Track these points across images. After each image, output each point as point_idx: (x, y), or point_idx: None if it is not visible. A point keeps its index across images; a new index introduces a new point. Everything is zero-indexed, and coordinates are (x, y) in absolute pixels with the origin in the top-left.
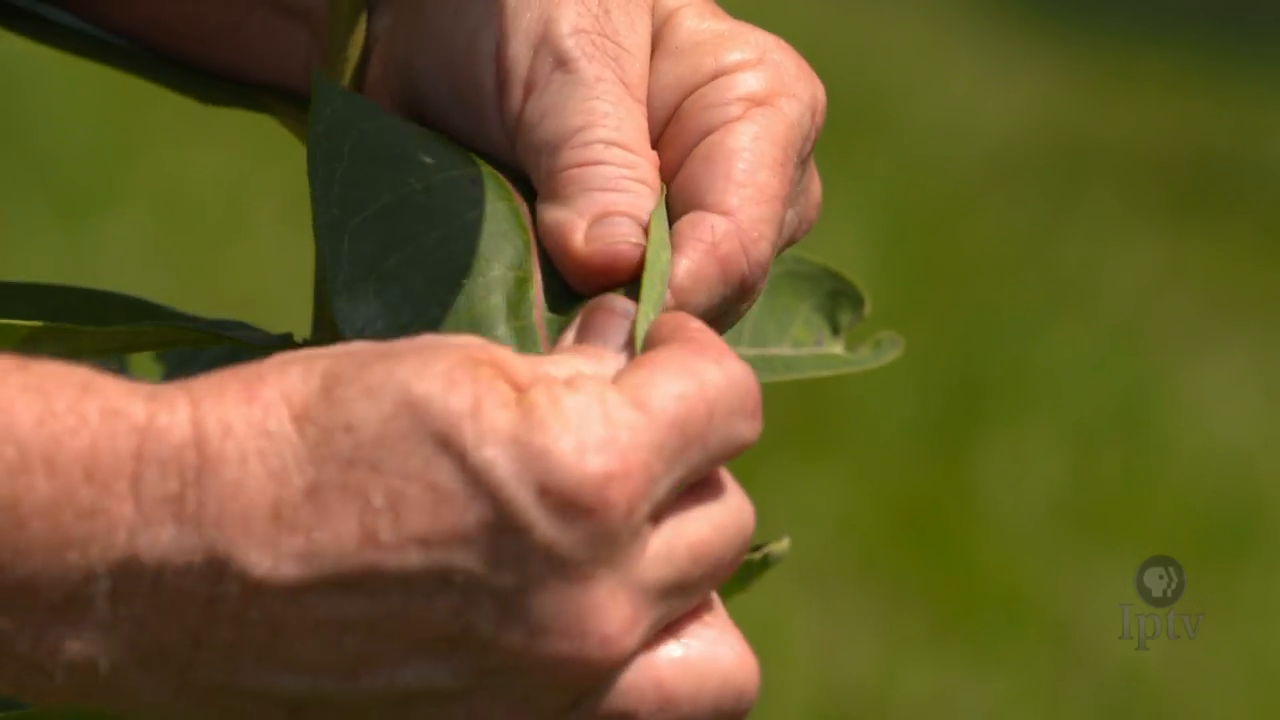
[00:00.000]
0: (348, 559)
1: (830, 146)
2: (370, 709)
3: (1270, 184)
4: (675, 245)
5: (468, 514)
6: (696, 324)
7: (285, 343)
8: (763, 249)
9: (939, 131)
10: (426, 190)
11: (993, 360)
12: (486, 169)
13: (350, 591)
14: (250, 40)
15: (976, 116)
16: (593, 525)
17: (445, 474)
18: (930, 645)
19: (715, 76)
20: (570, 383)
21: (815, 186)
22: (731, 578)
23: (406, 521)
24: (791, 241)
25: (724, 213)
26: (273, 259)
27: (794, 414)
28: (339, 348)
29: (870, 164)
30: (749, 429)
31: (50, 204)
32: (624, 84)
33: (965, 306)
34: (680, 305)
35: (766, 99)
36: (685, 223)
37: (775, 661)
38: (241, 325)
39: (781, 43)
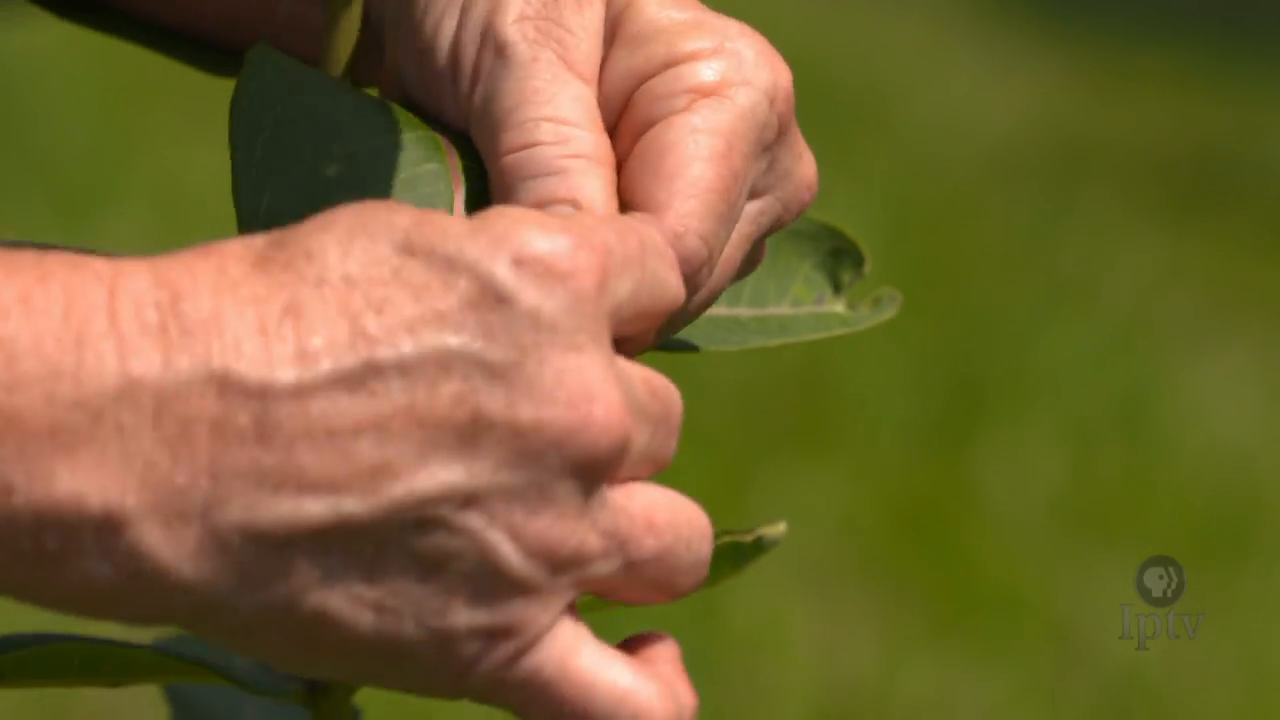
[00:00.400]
0: (343, 356)
1: (831, 146)
2: (392, 536)
3: (1270, 183)
4: None
5: (450, 295)
6: None
7: None
8: (689, 243)
9: (939, 131)
10: (350, 157)
11: (993, 359)
12: (422, 132)
13: (354, 391)
14: (281, 27)
15: (977, 116)
16: (571, 289)
17: (418, 272)
18: (930, 644)
19: (667, 66)
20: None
21: (803, 168)
22: (724, 560)
23: (391, 314)
24: (778, 225)
25: (653, 209)
26: None
27: (794, 413)
28: None
29: (870, 163)
30: (675, 281)
31: (50, 202)
32: (565, 62)
33: (966, 305)
34: None
35: (715, 89)
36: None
37: (776, 659)
38: None
39: (745, 29)
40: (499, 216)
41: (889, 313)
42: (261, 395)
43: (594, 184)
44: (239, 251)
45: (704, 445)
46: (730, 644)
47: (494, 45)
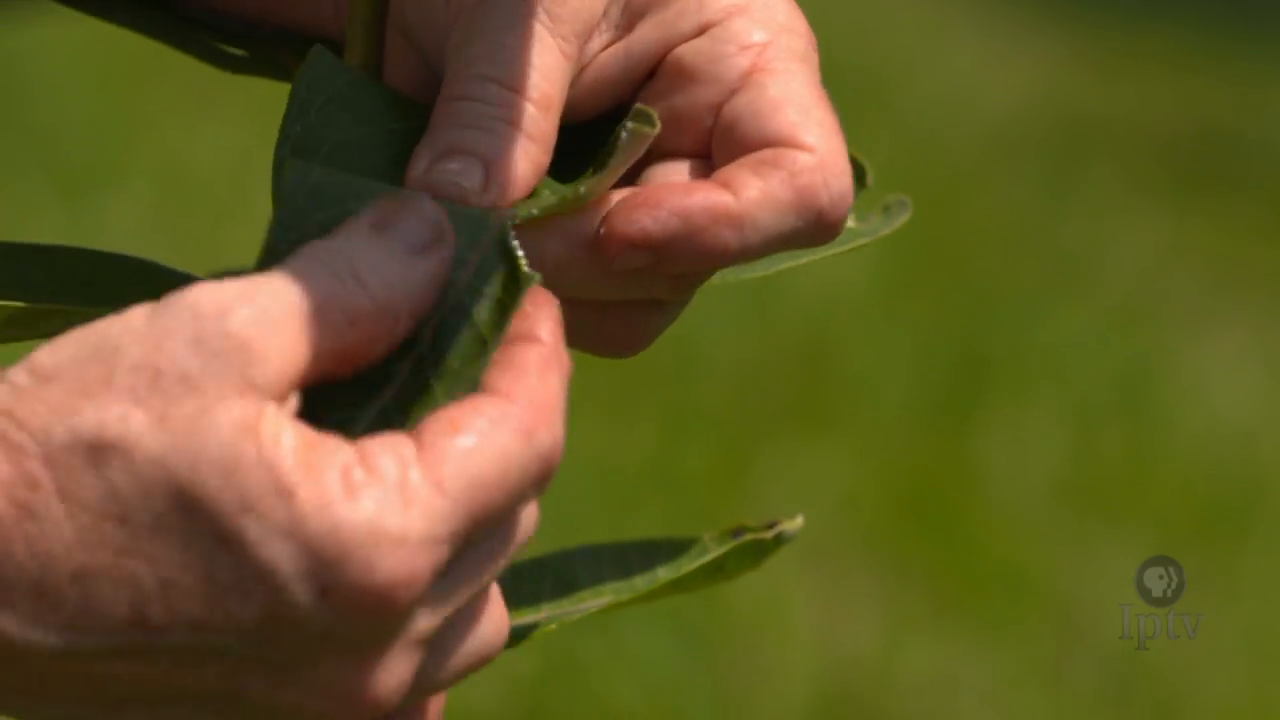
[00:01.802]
0: (115, 636)
1: None
2: None
3: (1272, 162)
4: (754, 171)
5: (247, 606)
6: (542, 344)
7: None
8: (845, 183)
9: (941, 109)
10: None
11: (995, 338)
12: None
13: (118, 657)
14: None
15: (978, 94)
16: (375, 620)
17: (225, 569)
18: (932, 623)
19: (703, 29)
20: (365, 459)
21: None
22: (746, 556)
23: (180, 606)
24: None
25: (803, 148)
26: None
27: (796, 391)
28: (124, 352)
29: (872, 142)
30: (533, 511)
31: (52, 181)
32: (550, 16)
33: (967, 284)
34: (744, 223)
35: (769, 44)
36: (765, 155)
37: (777, 639)
38: None
39: None
40: (337, 527)
41: (902, 218)
42: (22, 653)
43: (514, 153)
44: (49, 461)
45: (705, 424)
46: (732, 623)
47: None
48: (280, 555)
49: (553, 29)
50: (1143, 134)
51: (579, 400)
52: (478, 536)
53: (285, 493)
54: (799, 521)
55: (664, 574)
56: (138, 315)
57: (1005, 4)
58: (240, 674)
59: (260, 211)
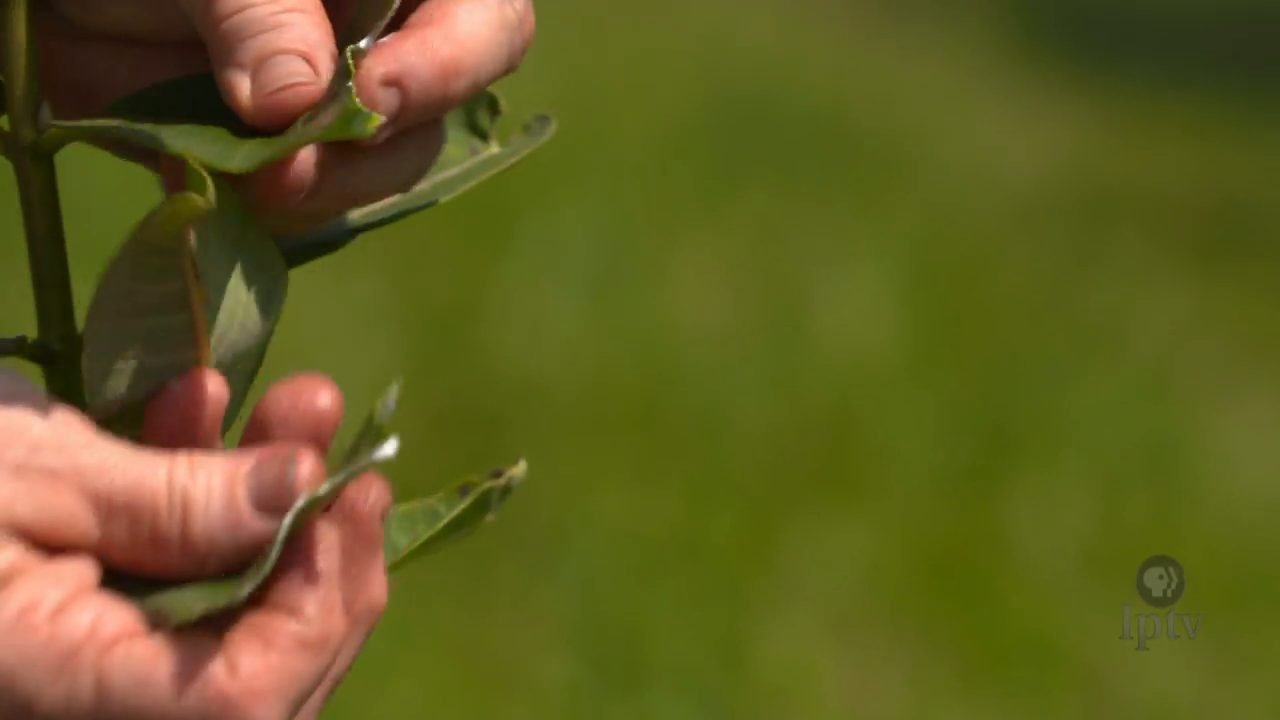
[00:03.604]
0: None
1: (856, 193)
2: None
3: None
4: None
5: None
6: (300, 622)
7: (19, 346)
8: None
9: (965, 178)
10: None
11: (1021, 406)
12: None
13: None
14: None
15: (1003, 163)
16: None
17: None
18: (960, 692)
19: None
20: None
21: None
22: (480, 509)
23: None
24: None
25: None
26: (302, 307)
27: (822, 459)
28: None
29: (897, 210)
30: None
31: (76, 253)
32: None
33: (993, 352)
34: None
35: None
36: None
37: (804, 708)
38: None
39: None
40: None
41: (546, 133)
42: None
43: (313, 34)
44: None
45: (732, 493)
46: (758, 692)
47: None
48: None
49: None
50: (1167, 202)
51: (604, 468)
52: None
53: None
54: (522, 466)
55: (405, 543)
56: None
57: (1028, 72)
58: None
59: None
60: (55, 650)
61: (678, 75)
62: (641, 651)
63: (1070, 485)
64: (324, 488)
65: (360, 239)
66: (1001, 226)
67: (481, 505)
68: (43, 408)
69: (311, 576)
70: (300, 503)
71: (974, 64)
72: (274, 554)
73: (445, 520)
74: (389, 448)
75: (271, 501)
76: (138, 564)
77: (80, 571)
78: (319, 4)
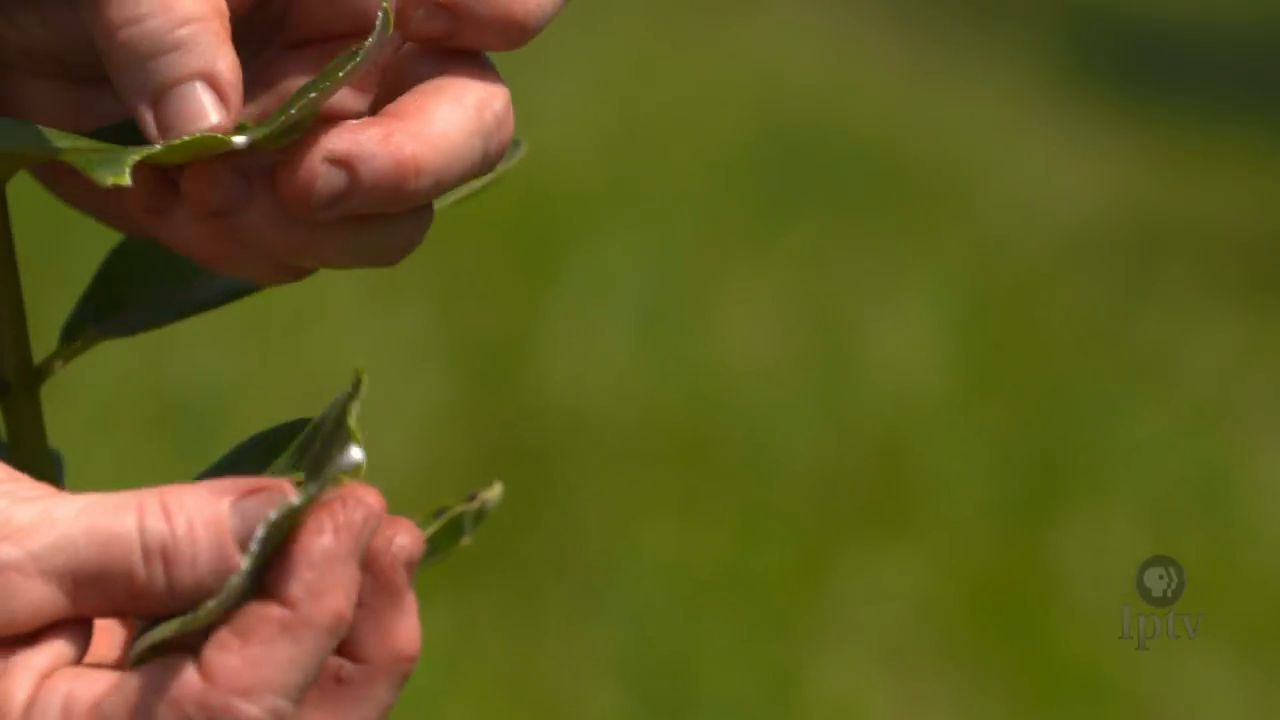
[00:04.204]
0: None
1: (906, 226)
2: None
3: None
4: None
5: None
6: (287, 607)
7: None
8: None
9: (1016, 211)
10: None
11: (1072, 440)
12: None
13: None
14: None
15: (1053, 196)
16: None
17: None
18: None
19: None
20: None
21: None
22: (454, 533)
23: None
24: None
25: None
26: (349, 339)
27: (872, 493)
28: None
29: (947, 243)
30: None
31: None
32: None
33: (1043, 386)
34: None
35: None
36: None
37: None
38: None
39: None
40: None
41: (516, 155)
42: None
43: (213, 49)
44: None
45: (780, 526)
46: None
47: None
48: None
49: None
50: (1219, 235)
51: (653, 501)
52: None
53: None
54: (497, 489)
55: None
56: None
57: (1079, 104)
58: None
59: (335, 314)
60: None
61: (728, 109)
62: (691, 685)
63: (1120, 519)
64: (297, 500)
65: (408, 270)
66: (1052, 259)
67: (455, 529)
68: None
69: (293, 561)
70: (272, 516)
71: (1024, 97)
72: (239, 579)
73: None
74: (354, 454)
75: None
76: (122, 614)
77: (54, 652)
78: (221, 7)
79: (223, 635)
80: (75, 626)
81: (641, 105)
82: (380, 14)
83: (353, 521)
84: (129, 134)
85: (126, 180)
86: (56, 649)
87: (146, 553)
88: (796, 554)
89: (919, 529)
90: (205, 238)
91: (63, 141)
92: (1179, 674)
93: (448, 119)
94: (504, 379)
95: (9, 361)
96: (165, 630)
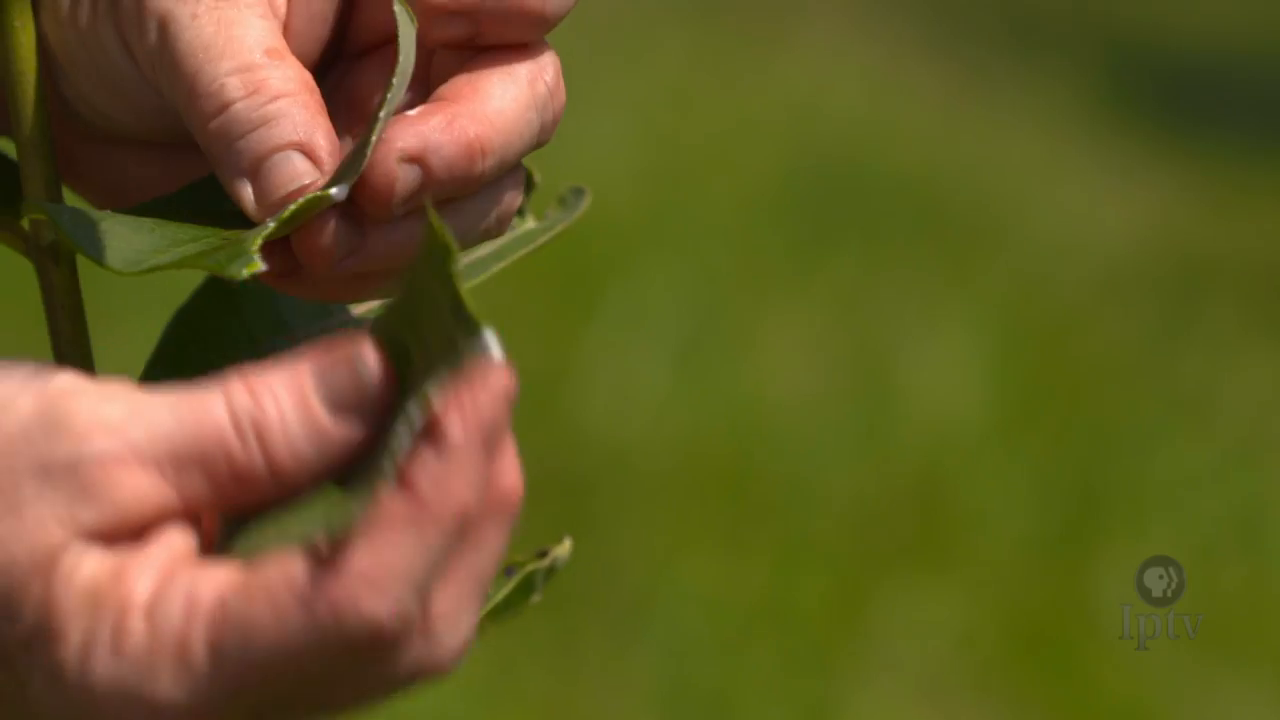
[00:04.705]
0: None
1: (945, 258)
2: None
3: None
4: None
5: (10, 626)
6: (413, 497)
7: None
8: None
9: (1055, 245)
10: None
11: (1111, 474)
12: None
13: None
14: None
15: (1093, 230)
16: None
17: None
18: None
19: None
20: (153, 610)
21: None
22: (526, 590)
23: None
24: None
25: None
26: None
27: (912, 527)
28: None
29: (986, 276)
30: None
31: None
32: (229, 2)
33: (1083, 420)
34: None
35: None
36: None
37: None
38: None
39: None
40: (91, 686)
41: (581, 206)
42: None
43: (303, 119)
44: None
45: (820, 560)
46: None
47: (156, 21)
48: (42, 698)
49: (236, 5)
50: (1259, 269)
51: (692, 534)
52: (263, 705)
53: (54, 637)
54: (567, 545)
55: None
56: (17, 413)
57: (1117, 138)
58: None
59: None
60: (161, 650)
61: (766, 143)
62: (730, 719)
63: (1162, 553)
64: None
65: None
66: (1091, 293)
67: (526, 587)
68: (73, 393)
69: (420, 453)
70: (411, 409)
71: (1064, 131)
72: (367, 472)
73: (492, 603)
74: (487, 338)
75: (350, 404)
76: (229, 506)
77: (169, 546)
78: (303, 76)
79: (355, 531)
80: (184, 522)
81: (680, 140)
82: (399, 38)
83: (480, 410)
84: (214, 190)
85: (261, 266)
86: (171, 543)
87: (239, 429)
88: (835, 587)
89: (958, 562)
90: (339, 283)
91: (183, 248)
92: (1220, 709)
93: (503, 95)
94: (543, 412)
95: None
96: (310, 526)
